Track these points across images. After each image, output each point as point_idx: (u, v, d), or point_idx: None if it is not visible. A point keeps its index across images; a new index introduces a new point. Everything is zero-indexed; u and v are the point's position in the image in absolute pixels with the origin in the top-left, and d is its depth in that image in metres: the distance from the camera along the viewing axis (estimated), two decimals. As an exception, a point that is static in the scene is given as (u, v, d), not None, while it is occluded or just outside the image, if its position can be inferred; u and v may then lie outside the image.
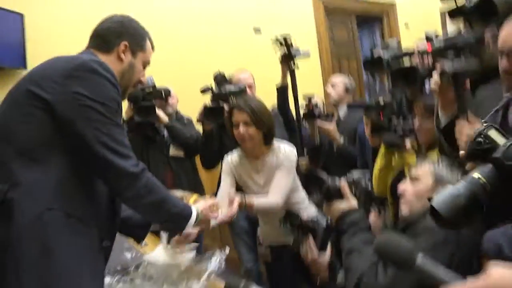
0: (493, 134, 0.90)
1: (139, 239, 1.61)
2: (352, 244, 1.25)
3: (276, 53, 2.78)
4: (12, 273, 0.96)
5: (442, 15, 4.30)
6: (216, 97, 2.31)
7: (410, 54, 1.77)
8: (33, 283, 0.96)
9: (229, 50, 4.55)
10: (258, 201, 1.71)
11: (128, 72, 1.25)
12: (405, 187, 1.42)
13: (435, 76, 1.36)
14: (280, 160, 1.83)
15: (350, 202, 1.37)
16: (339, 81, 2.89)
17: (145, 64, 1.31)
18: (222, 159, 2.02)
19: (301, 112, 2.78)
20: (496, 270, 0.68)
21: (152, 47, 1.34)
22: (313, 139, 2.80)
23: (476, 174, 0.86)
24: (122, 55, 1.23)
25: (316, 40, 5.36)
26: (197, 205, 1.33)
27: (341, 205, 1.36)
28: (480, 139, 0.90)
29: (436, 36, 1.65)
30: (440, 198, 0.86)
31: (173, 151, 2.59)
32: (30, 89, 1.07)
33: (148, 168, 1.17)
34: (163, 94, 2.51)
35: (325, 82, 5.29)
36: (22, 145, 1.05)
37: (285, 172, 1.81)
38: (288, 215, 1.55)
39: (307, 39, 5.24)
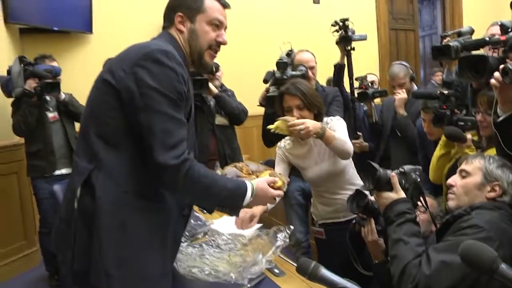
0: None
1: (210, 211, 1.75)
2: (399, 234, 1.31)
3: (334, 35, 2.80)
4: (96, 240, 1.11)
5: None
6: (277, 82, 2.38)
7: (481, 45, 1.61)
8: (110, 251, 1.11)
9: (287, 21, 4.56)
10: (338, 135, 1.78)
11: (191, 39, 1.25)
12: (454, 180, 1.46)
13: (497, 72, 1.29)
14: (331, 127, 1.87)
15: (398, 193, 1.41)
16: (404, 76, 2.74)
17: (213, 22, 1.26)
18: (280, 138, 2.06)
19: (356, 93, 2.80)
20: None
21: (222, 4, 1.29)
22: (371, 119, 2.80)
23: None
24: (180, 26, 1.25)
25: (374, 12, 5.22)
26: (254, 180, 1.32)
27: (390, 195, 1.41)
28: None
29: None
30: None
31: (218, 119, 2.90)
32: (105, 77, 1.15)
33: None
34: (213, 68, 2.73)
35: (381, 57, 5.18)
36: (101, 129, 1.14)
37: (341, 129, 1.87)
38: (357, 194, 1.57)
39: (366, 11, 5.12)
